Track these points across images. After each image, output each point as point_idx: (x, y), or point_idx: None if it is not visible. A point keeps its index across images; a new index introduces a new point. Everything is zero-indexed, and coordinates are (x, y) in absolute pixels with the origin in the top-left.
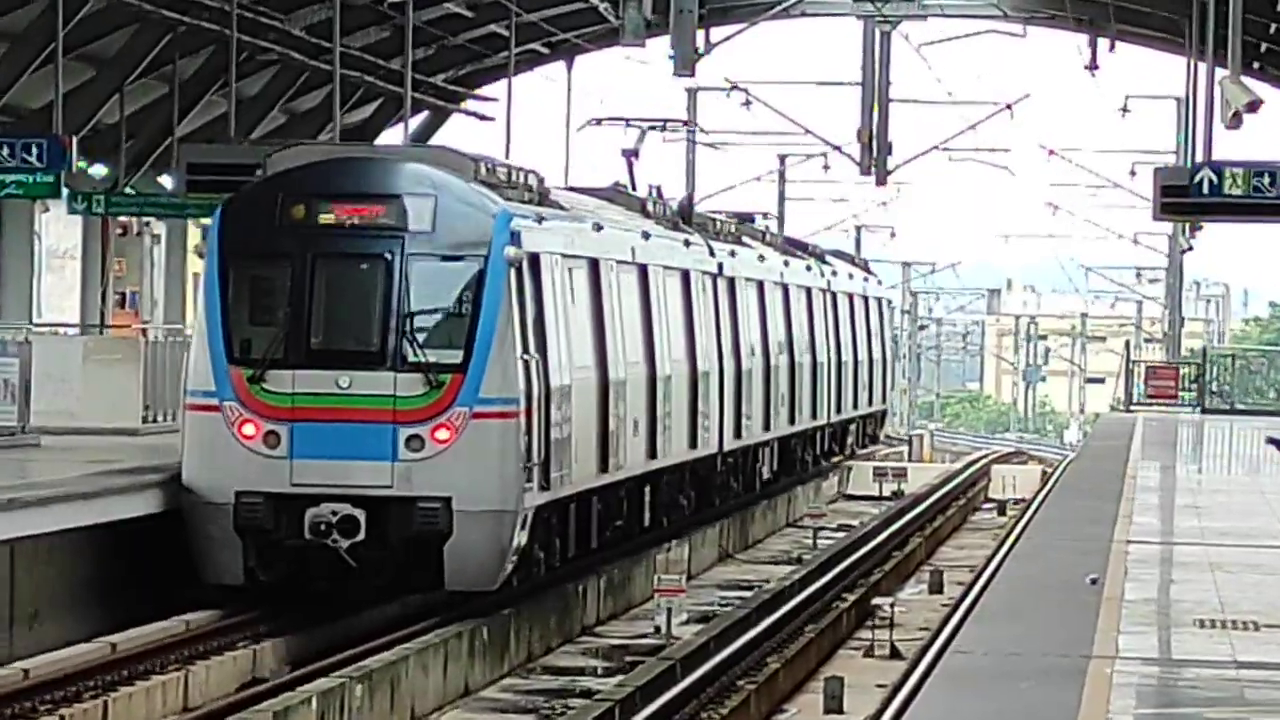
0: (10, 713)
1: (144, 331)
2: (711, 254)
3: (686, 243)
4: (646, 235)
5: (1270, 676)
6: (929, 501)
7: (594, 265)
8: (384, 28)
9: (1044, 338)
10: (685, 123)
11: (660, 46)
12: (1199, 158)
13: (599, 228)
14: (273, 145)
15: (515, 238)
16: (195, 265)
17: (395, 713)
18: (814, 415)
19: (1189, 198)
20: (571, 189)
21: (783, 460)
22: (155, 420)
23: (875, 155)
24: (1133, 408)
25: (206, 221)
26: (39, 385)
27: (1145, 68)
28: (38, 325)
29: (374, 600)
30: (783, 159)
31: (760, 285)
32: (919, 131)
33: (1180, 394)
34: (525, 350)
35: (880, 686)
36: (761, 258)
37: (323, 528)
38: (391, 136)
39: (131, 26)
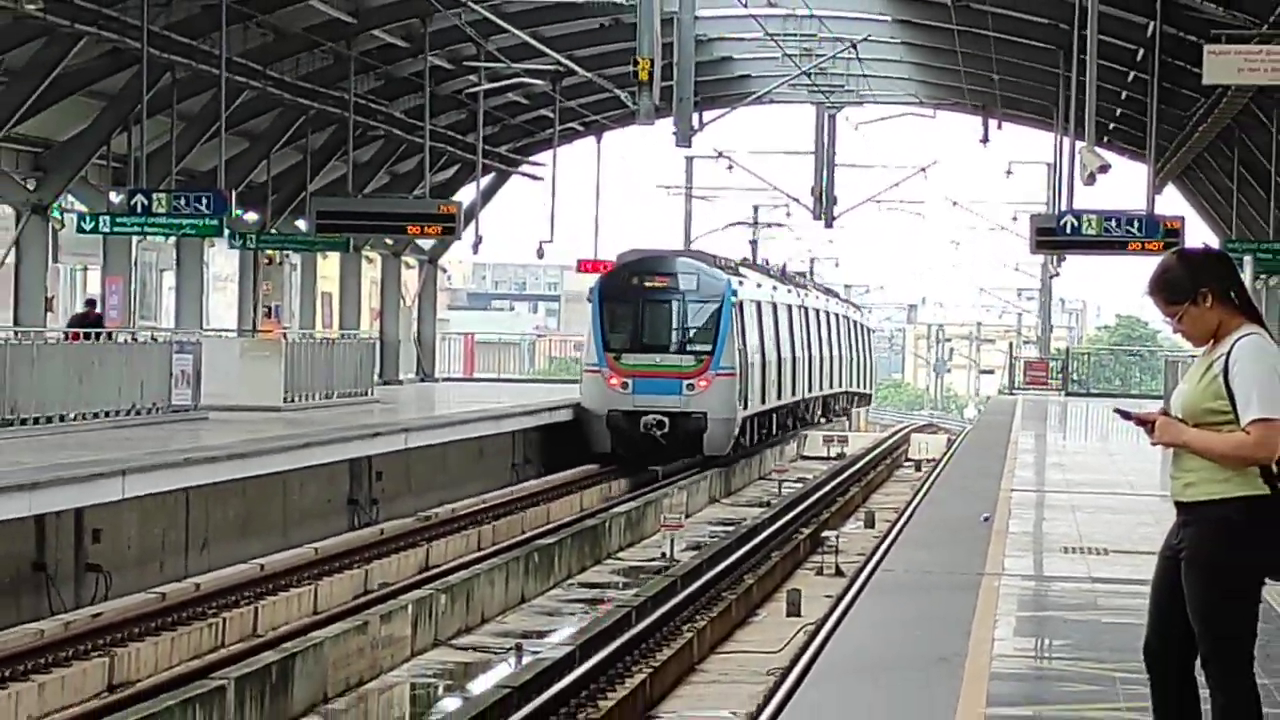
0: (188, 614)
1: (284, 335)
2: (797, 295)
3: (788, 290)
4: (775, 287)
5: (1116, 589)
6: (864, 460)
7: (758, 304)
8: (461, 111)
9: (949, 340)
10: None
11: (666, 125)
12: (1064, 206)
13: (759, 285)
14: (379, 198)
15: (734, 293)
16: (323, 286)
17: (470, 615)
18: (834, 385)
19: (1057, 236)
20: (744, 262)
21: (824, 408)
22: (292, 401)
23: (824, 205)
24: (1014, 392)
25: (333, 253)
26: (207, 374)
27: (1024, 140)
28: (206, 331)
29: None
30: (755, 208)
31: (816, 311)
32: (857, 188)
33: (1050, 381)
34: (738, 345)
35: (828, 597)
36: (816, 296)
37: (649, 426)
38: (466, 192)
39: (276, 110)
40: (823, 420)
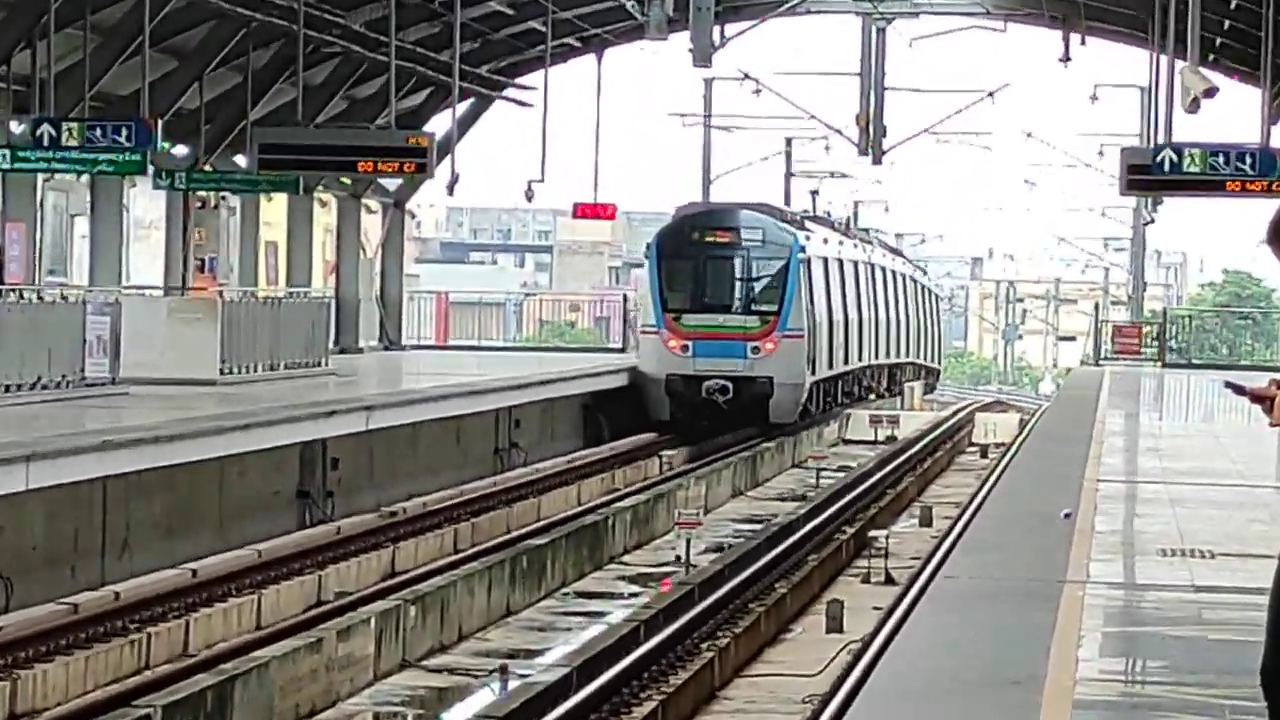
0: (104, 630)
1: (221, 293)
2: (863, 251)
3: (854, 245)
4: (841, 243)
5: (1224, 599)
6: (919, 445)
7: (825, 261)
8: (434, 24)
9: (1021, 300)
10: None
11: (681, 41)
12: (1161, 139)
13: (825, 241)
14: (334, 128)
15: (802, 249)
16: (268, 234)
17: (444, 631)
18: (899, 354)
19: (1152, 175)
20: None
21: (889, 379)
22: (231, 373)
23: (871, 138)
24: (1100, 363)
25: (279, 195)
26: (128, 341)
27: (1112, 59)
28: (126, 288)
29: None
30: (789, 141)
31: (883, 270)
32: (910, 116)
33: (1143, 350)
34: (806, 305)
35: (876, 609)
36: (882, 254)
37: (712, 392)
38: (440, 121)
39: (210, 22)
40: (886, 394)
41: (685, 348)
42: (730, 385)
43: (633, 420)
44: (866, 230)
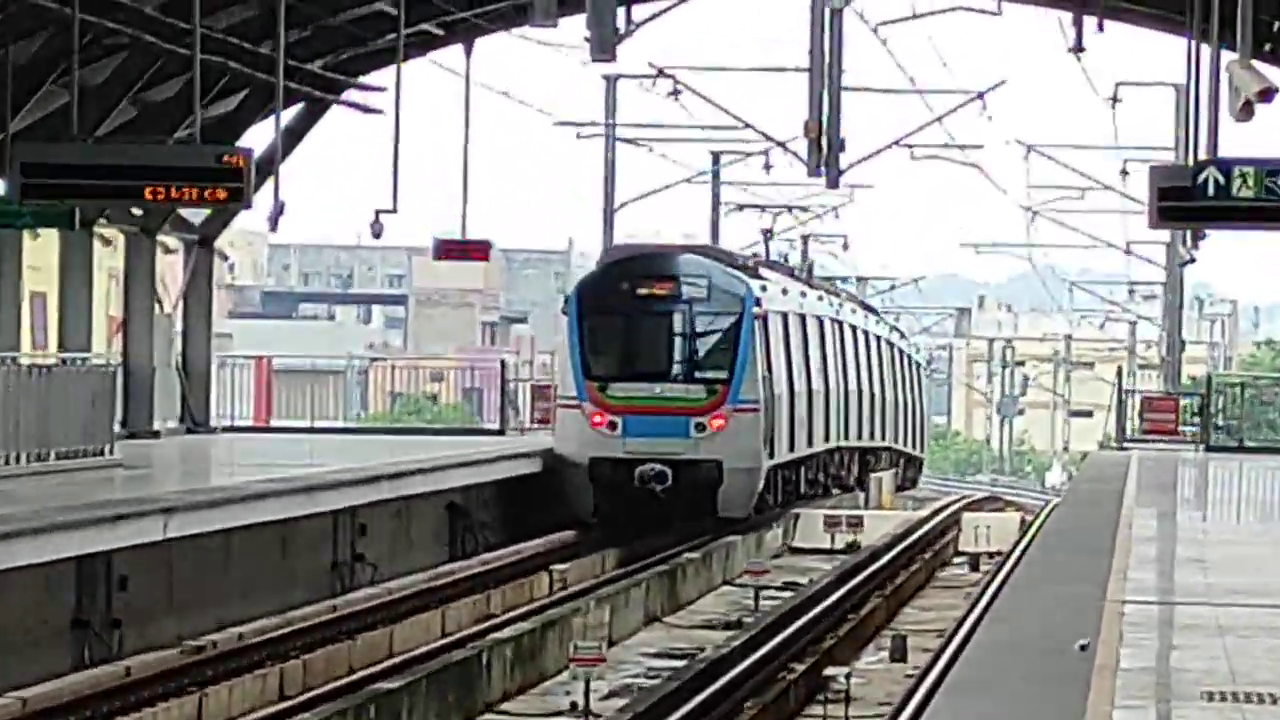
0: None
1: None
2: (830, 305)
3: (818, 298)
4: (803, 294)
5: None
6: (890, 555)
7: (785, 316)
8: (251, 5)
9: (1021, 364)
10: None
11: (575, 27)
12: (1202, 154)
13: (785, 291)
14: (121, 142)
15: (757, 301)
16: (34, 282)
17: None
18: (875, 436)
19: (1191, 201)
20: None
21: (861, 466)
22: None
23: (826, 153)
24: (1126, 445)
25: (47, 231)
26: None
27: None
28: None
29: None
30: (717, 157)
31: (854, 330)
32: (877, 126)
33: (1181, 429)
34: (763, 370)
35: None
36: (852, 310)
37: (646, 479)
38: (262, 131)
39: None
40: (858, 486)
41: (614, 425)
42: (669, 471)
43: (516, 525)
44: (831, 280)
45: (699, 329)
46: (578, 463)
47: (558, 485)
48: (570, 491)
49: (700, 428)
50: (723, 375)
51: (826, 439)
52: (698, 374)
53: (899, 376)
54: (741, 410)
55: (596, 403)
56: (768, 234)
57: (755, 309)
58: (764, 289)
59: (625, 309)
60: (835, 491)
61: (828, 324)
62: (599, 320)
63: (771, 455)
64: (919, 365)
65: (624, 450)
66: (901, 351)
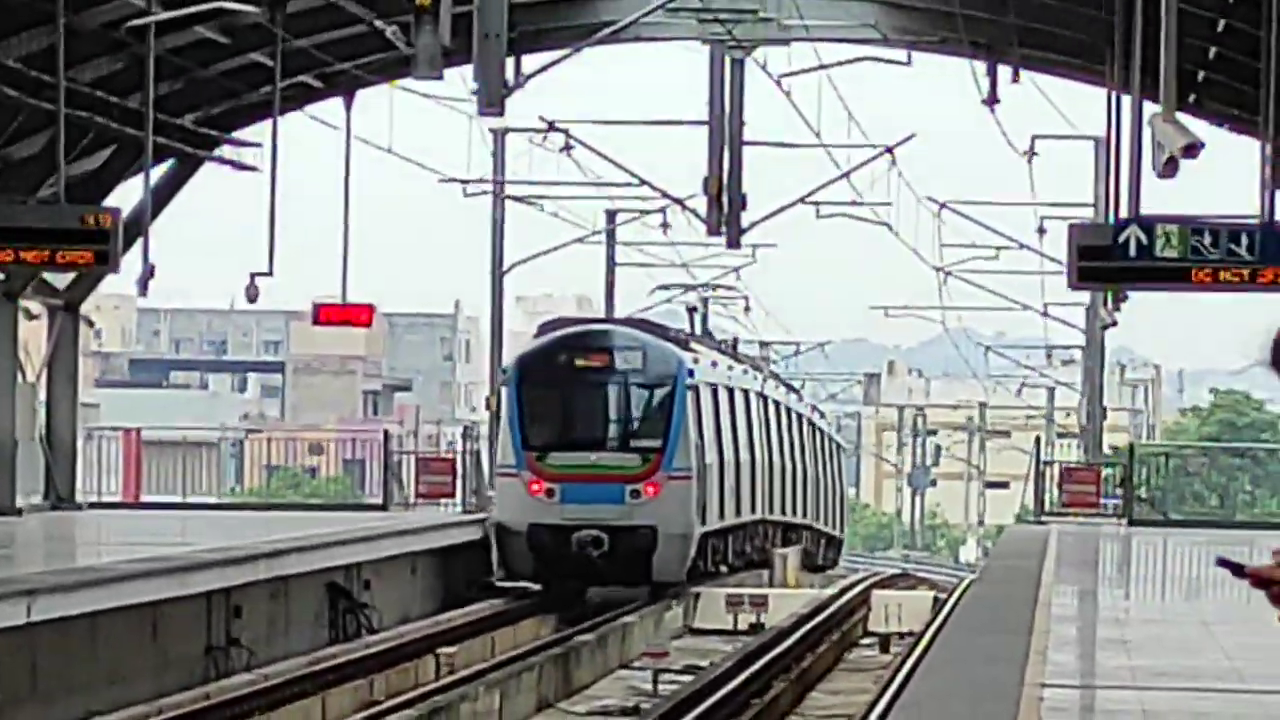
0: None
1: None
2: (756, 380)
3: (743, 371)
4: (730, 368)
5: None
6: (795, 636)
7: (714, 388)
8: (118, 58)
9: (934, 433)
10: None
11: (461, 78)
12: (1124, 212)
13: (714, 364)
14: None
15: (690, 373)
16: None
17: None
18: (798, 513)
19: (1112, 261)
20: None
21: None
22: None
23: (726, 210)
24: (1044, 518)
25: None
26: None
27: (1058, 102)
28: None
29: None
30: (611, 215)
31: (777, 406)
32: (780, 182)
33: (1102, 501)
34: (695, 439)
35: None
36: (775, 385)
37: (584, 544)
38: (130, 190)
39: None
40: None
41: (551, 492)
42: (605, 536)
43: (407, 605)
44: (751, 356)
45: (633, 399)
46: (517, 530)
47: (499, 552)
48: (509, 557)
49: (635, 494)
50: (657, 444)
51: (753, 510)
52: (633, 442)
53: (819, 454)
54: (675, 478)
55: (535, 471)
56: (694, 310)
57: (688, 380)
58: (695, 361)
59: (562, 380)
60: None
61: (753, 398)
62: (537, 391)
63: (704, 522)
64: (839, 445)
65: (562, 517)
66: (821, 431)
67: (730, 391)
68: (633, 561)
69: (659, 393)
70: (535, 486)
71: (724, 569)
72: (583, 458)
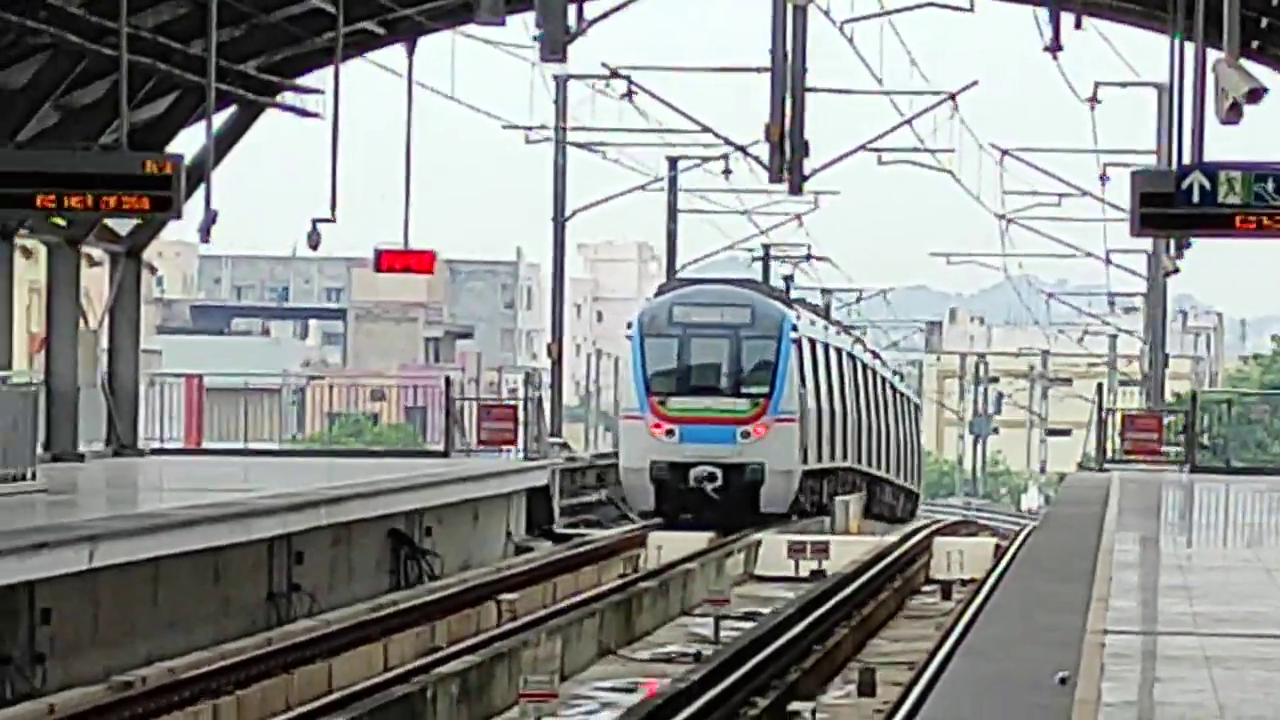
0: None
1: None
2: (846, 339)
3: (836, 331)
4: (825, 327)
5: None
6: (857, 583)
7: (813, 343)
8: (181, 3)
9: (995, 380)
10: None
11: (522, 25)
12: (1187, 159)
13: (813, 322)
14: (42, 148)
15: (794, 328)
16: None
17: None
18: (881, 466)
19: (1175, 208)
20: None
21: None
22: None
23: (788, 157)
24: (1106, 466)
25: None
26: None
27: (1121, 49)
28: None
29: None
30: (673, 162)
31: (864, 366)
32: (843, 129)
33: (1164, 449)
34: (798, 387)
35: None
36: (861, 346)
37: (699, 479)
38: (192, 136)
39: None
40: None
41: (671, 432)
42: (719, 472)
43: (469, 551)
44: (828, 315)
45: (744, 350)
46: (640, 466)
47: (623, 486)
48: (632, 492)
49: (745, 435)
50: (764, 390)
51: (844, 458)
52: (743, 389)
53: (900, 413)
54: (781, 421)
55: (657, 414)
56: (789, 280)
57: (792, 334)
58: (798, 317)
59: (680, 334)
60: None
61: (844, 357)
62: (658, 344)
63: (805, 461)
64: (917, 406)
65: (681, 455)
66: (901, 393)
67: (825, 348)
68: (743, 495)
69: (766, 345)
70: (657, 428)
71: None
72: (699, 402)
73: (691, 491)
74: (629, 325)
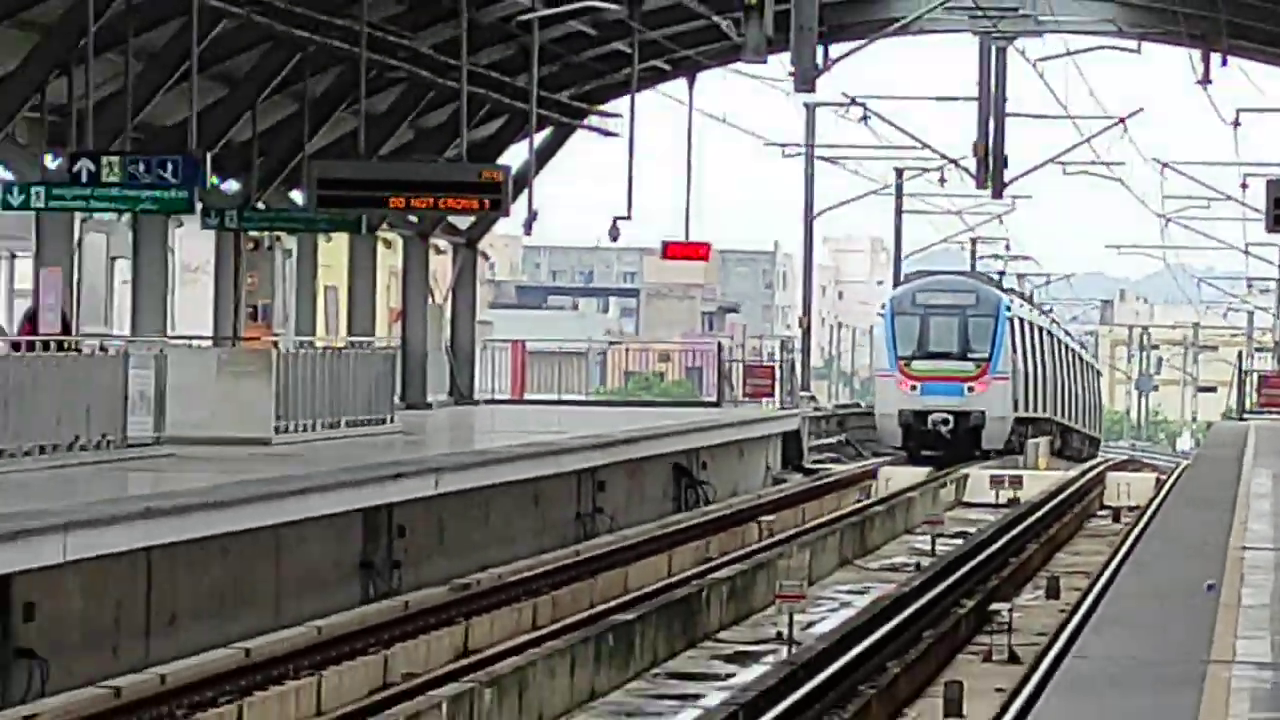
0: (151, 716)
1: (275, 344)
2: (1045, 319)
3: (1034, 311)
4: (1028, 309)
5: None
6: (1045, 509)
7: (1021, 320)
8: (509, 46)
9: (1156, 348)
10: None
11: (780, 63)
12: None
13: (1020, 304)
14: (400, 160)
15: (1007, 308)
16: (327, 278)
17: (524, 716)
18: (1070, 417)
19: None
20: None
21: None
22: (287, 431)
23: (991, 169)
24: (1245, 416)
25: (339, 235)
26: (173, 397)
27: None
28: (172, 338)
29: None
30: (899, 173)
31: (1057, 341)
32: (1034, 145)
33: None
34: (1010, 354)
35: (999, 690)
36: (1058, 326)
37: (936, 423)
38: (516, 151)
39: (264, 45)
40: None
41: (914, 388)
42: (951, 418)
43: (736, 481)
44: (1030, 299)
45: (970, 325)
46: (891, 413)
47: (877, 428)
48: (884, 433)
49: (971, 389)
50: (985, 355)
51: (1044, 410)
52: (969, 354)
53: (1085, 376)
54: (998, 379)
55: (904, 374)
56: (1001, 274)
57: (1006, 313)
58: (1010, 301)
59: (923, 313)
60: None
61: (1043, 332)
62: (905, 320)
63: (1015, 410)
64: (1098, 371)
65: (922, 405)
66: (1086, 361)
67: (1029, 324)
68: (968, 435)
69: (987, 321)
70: (903, 384)
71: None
72: (936, 365)
73: (929, 432)
74: (882, 306)
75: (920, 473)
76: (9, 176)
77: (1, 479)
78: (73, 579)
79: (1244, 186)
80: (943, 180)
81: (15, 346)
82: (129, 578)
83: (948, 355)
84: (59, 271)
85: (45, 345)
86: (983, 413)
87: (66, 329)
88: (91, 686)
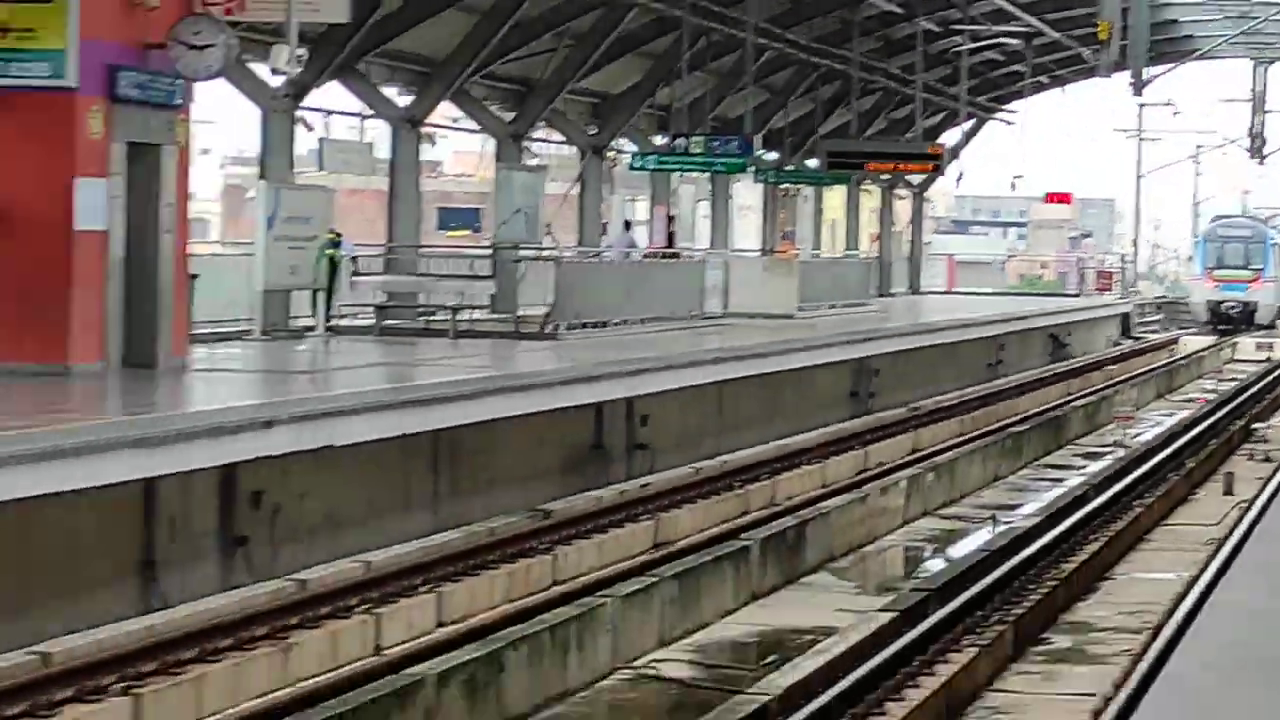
0: (717, 486)
1: (798, 255)
2: None
3: None
4: None
5: None
6: None
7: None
8: (947, 67)
9: None
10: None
11: (1122, 78)
12: None
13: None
14: (878, 141)
15: (1272, 239)
16: (829, 214)
17: (953, 490)
18: None
19: None
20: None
21: None
22: (804, 309)
23: (1257, 145)
24: None
25: (838, 187)
26: (733, 288)
27: None
28: (733, 251)
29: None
30: (1198, 147)
31: None
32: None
33: None
34: (1275, 267)
35: (1259, 479)
36: None
37: (1228, 309)
38: (950, 136)
39: (792, 67)
40: None
41: (1216, 286)
42: (1238, 306)
43: (1090, 344)
44: None
45: (1249, 249)
46: (1200, 303)
47: (1190, 312)
48: (1196, 314)
49: (1249, 287)
50: (1259, 267)
51: None
52: (1248, 266)
53: None
54: (1268, 282)
55: (1210, 278)
56: (1266, 220)
57: (1272, 241)
58: (1275, 234)
59: (1221, 242)
60: None
61: None
62: (1211, 245)
63: (1276, 301)
64: None
65: (1220, 297)
66: None
67: None
68: (1248, 316)
69: (1260, 246)
70: (1209, 285)
71: None
72: (1228, 273)
73: (1223, 314)
74: (1195, 236)
75: (1207, 340)
76: (634, 149)
77: (633, 338)
78: (671, 400)
79: None
80: (1224, 153)
81: (644, 256)
82: (710, 399)
83: (1236, 267)
84: (664, 208)
85: (657, 255)
86: (1257, 303)
87: (670, 244)
88: (682, 468)
